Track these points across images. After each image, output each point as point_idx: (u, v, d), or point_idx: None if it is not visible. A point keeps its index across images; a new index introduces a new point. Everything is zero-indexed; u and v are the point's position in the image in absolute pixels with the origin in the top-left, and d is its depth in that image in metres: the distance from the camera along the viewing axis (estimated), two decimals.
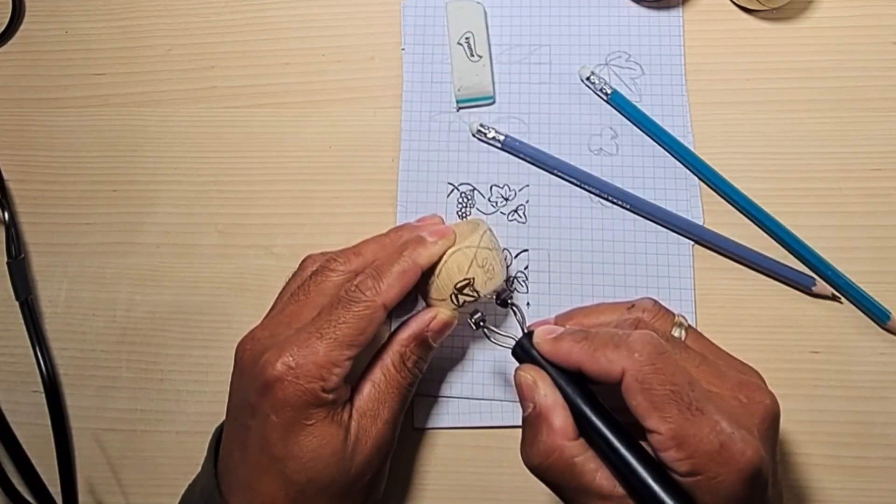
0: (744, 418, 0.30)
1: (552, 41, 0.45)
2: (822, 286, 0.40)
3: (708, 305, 0.41)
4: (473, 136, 0.44)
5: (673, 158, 0.43)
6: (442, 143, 0.44)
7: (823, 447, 0.39)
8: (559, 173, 0.43)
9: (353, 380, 0.36)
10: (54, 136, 0.47)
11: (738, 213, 0.42)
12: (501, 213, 0.43)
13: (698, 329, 0.37)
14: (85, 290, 0.44)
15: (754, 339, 0.41)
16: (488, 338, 0.36)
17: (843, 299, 0.41)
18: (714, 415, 0.29)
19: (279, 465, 0.33)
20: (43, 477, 0.42)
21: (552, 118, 0.44)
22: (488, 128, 0.43)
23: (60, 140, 0.47)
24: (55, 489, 0.41)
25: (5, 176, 0.46)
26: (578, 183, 0.42)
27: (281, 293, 0.38)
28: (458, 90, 0.44)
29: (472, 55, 0.44)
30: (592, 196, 0.43)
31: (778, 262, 0.41)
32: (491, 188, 0.43)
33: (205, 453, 0.37)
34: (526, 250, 0.42)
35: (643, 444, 0.31)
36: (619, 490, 0.30)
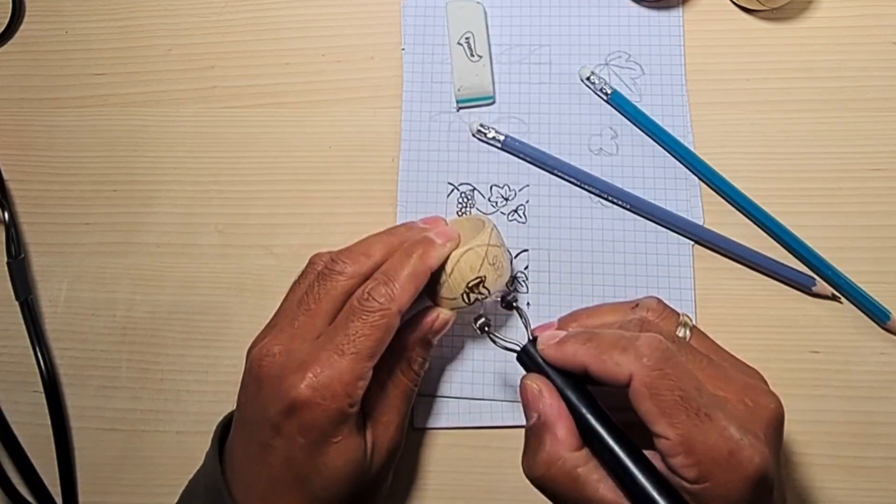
0: (751, 423, 0.30)
1: (552, 41, 0.45)
2: (822, 286, 0.40)
3: (708, 305, 0.41)
4: (473, 136, 0.44)
5: (673, 158, 0.43)
6: (442, 143, 0.44)
7: (823, 447, 0.39)
8: (559, 173, 0.43)
9: None
10: (54, 136, 0.47)
11: (738, 213, 0.42)
12: (501, 213, 0.43)
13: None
14: (85, 290, 0.44)
15: (754, 339, 0.41)
16: (493, 343, 0.36)
17: (843, 299, 0.41)
18: (722, 420, 0.29)
19: (305, 483, 0.33)
20: (43, 477, 0.42)
21: (552, 118, 0.44)
22: (488, 128, 0.43)
23: (60, 140, 0.47)
24: (55, 489, 0.42)
25: (5, 176, 0.46)
26: (578, 183, 0.42)
27: (289, 295, 0.37)
28: (458, 90, 0.44)
29: (472, 55, 0.44)
30: (592, 196, 0.43)
31: (778, 262, 0.41)
32: (491, 188, 0.43)
33: (205, 453, 0.37)
34: (526, 250, 0.42)
35: (649, 452, 0.30)
36: (624, 502, 0.30)
